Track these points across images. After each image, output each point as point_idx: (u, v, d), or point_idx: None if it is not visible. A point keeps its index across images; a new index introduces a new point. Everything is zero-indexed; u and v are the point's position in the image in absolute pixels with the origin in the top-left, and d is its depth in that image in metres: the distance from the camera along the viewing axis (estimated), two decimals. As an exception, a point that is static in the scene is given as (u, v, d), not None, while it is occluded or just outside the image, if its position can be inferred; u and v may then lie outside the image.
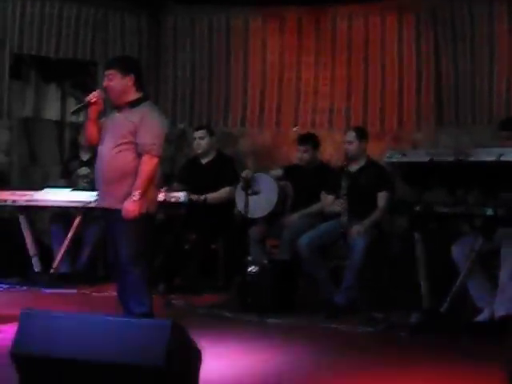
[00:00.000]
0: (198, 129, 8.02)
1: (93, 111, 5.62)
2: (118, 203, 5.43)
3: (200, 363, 4.21)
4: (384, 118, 8.63)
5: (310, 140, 7.58)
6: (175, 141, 7.26)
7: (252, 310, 6.52)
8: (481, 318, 5.98)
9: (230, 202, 7.57)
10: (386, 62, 8.60)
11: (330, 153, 8.38)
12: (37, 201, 7.87)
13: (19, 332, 4.13)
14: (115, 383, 3.94)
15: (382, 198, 6.83)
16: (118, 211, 5.42)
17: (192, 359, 4.17)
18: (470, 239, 6.06)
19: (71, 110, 6.20)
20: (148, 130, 5.48)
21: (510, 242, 5.85)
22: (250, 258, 6.89)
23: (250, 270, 6.74)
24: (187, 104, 9.48)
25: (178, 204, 7.31)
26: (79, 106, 5.92)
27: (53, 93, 10.08)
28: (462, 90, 8.20)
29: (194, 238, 7.65)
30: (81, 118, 9.20)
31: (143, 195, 5.40)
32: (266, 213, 7.32)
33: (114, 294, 5.90)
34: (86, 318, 4.23)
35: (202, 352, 4.20)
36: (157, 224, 7.03)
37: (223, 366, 4.88)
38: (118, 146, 5.48)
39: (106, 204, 5.61)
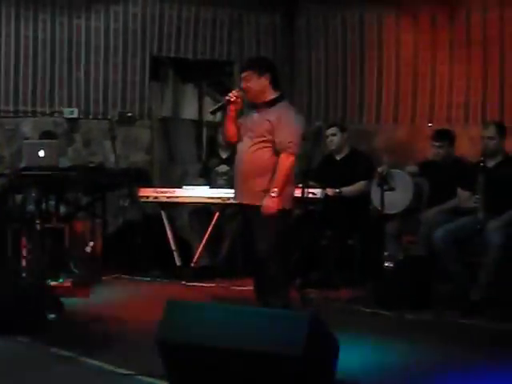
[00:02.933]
0: (329, 126, 8.11)
1: (232, 110, 5.76)
2: (257, 199, 5.57)
3: (337, 354, 4.31)
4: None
5: (445, 136, 7.54)
6: (311, 138, 7.33)
7: (388, 306, 6.54)
8: None
9: (365, 197, 7.61)
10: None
11: (465, 148, 8.28)
12: (177, 197, 8.16)
13: (164, 321, 4.33)
14: (255, 372, 4.08)
15: (521, 193, 6.74)
16: (257, 207, 5.56)
17: (330, 350, 4.28)
18: None
19: (210, 110, 6.35)
20: (285, 128, 5.59)
21: None
22: (386, 254, 6.92)
23: (386, 265, 6.78)
24: (322, 101, 9.58)
25: (314, 200, 7.42)
26: (218, 105, 6.07)
27: (190, 93, 10.38)
28: None
29: (331, 233, 7.74)
30: (218, 118, 9.45)
31: (281, 192, 5.52)
32: (401, 209, 7.32)
33: (252, 287, 6.01)
34: (227, 308, 4.39)
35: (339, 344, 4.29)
36: (294, 220, 7.16)
37: (358, 359, 4.92)
38: (256, 144, 5.61)
39: (244, 200, 5.76)
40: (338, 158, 8.02)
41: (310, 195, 7.28)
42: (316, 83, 9.64)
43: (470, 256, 6.83)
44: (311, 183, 7.49)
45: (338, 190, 7.65)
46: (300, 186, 6.87)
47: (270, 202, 5.51)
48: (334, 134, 7.98)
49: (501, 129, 6.96)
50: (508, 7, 8.46)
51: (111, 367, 4.77)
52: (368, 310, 6.56)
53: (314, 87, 9.65)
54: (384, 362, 5.02)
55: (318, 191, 7.46)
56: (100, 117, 9.19)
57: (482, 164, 6.77)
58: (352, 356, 4.82)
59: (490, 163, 6.88)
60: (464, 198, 7.04)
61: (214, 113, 6.33)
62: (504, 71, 8.51)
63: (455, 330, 5.99)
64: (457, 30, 8.78)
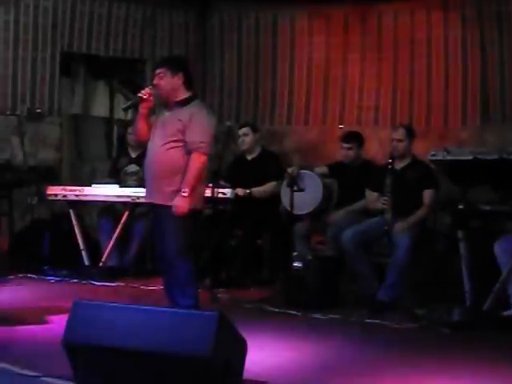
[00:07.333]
0: (241, 126, 8.12)
1: (144, 107, 5.72)
2: (167, 200, 5.56)
3: (245, 354, 4.31)
4: (430, 115, 8.64)
5: (354, 138, 7.63)
6: (222, 138, 7.34)
7: (296, 305, 6.58)
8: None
9: (275, 197, 7.64)
10: (432, 59, 8.59)
11: (375, 150, 8.40)
12: (86, 196, 8.04)
13: (71, 322, 4.26)
14: (163, 372, 4.05)
15: (427, 195, 6.86)
16: (167, 207, 5.54)
17: (237, 350, 4.28)
18: (512, 237, 6.05)
19: (122, 106, 6.29)
20: (197, 128, 5.59)
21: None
22: (295, 254, 6.96)
23: (294, 265, 6.82)
24: (234, 101, 9.59)
25: (224, 200, 7.42)
26: (131, 102, 6.02)
27: (101, 90, 10.27)
28: (509, 87, 8.16)
29: (240, 233, 7.76)
30: (129, 116, 9.37)
31: (192, 192, 5.52)
32: (311, 209, 7.38)
33: (161, 287, 6.01)
34: (135, 308, 4.34)
35: (247, 344, 4.30)
36: (204, 220, 7.15)
37: (266, 359, 4.95)
38: (168, 143, 5.60)
39: (155, 200, 5.72)
40: (249, 158, 8.04)
41: (220, 195, 7.29)
42: (228, 83, 9.65)
43: (378, 256, 6.94)
44: (222, 183, 7.50)
45: (248, 191, 7.67)
46: (210, 185, 6.88)
47: (181, 202, 5.50)
48: (245, 134, 8.00)
49: (409, 131, 7.10)
50: (417, 12, 8.63)
51: (16, 369, 4.65)
52: (277, 310, 6.58)
53: (226, 87, 9.66)
54: (292, 361, 5.04)
55: (227, 191, 7.47)
56: (8, 112, 8.96)
57: (390, 166, 6.88)
58: (261, 356, 4.85)
59: (398, 165, 7.00)
60: (372, 199, 7.14)
61: (126, 109, 6.29)
62: (413, 74, 8.69)
63: (362, 330, 6.05)
64: (368, 32, 8.93)
